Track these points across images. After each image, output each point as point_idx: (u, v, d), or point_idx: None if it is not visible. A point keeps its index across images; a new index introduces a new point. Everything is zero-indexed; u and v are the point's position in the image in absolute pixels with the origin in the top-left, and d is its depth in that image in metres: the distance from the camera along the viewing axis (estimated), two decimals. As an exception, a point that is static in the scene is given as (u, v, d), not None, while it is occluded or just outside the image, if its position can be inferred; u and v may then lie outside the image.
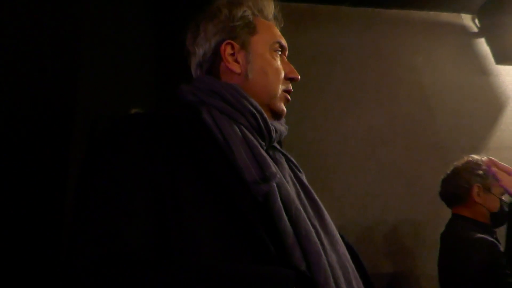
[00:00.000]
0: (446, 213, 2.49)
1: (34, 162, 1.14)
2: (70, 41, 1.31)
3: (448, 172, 1.97)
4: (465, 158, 1.94)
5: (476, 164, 1.87)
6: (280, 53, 1.05)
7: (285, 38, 1.09)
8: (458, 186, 1.88)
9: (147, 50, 1.96)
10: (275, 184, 0.79)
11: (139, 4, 1.95)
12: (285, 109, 1.02)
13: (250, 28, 1.02)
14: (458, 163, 1.95)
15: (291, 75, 1.04)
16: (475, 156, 1.93)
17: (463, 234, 1.77)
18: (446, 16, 3.17)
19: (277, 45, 1.04)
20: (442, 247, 1.90)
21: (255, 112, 0.92)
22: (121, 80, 1.58)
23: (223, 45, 0.99)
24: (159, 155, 0.77)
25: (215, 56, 1.00)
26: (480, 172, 1.84)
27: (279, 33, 1.07)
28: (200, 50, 1.02)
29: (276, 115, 1.01)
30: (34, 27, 1.27)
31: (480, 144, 2.78)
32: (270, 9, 1.09)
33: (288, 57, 1.08)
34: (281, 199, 0.78)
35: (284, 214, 0.76)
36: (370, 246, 2.36)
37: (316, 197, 0.92)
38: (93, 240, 0.66)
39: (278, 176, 0.80)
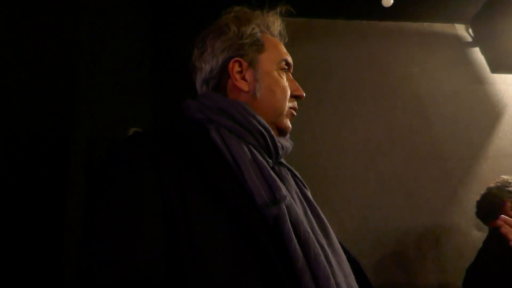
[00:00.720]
0: (447, 223, 2.49)
1: (32, 184, 1.13)
2: (67, 61, 1.31)
3: (482, 193, 2.13)
4: (496, 179, 2.11)
5: (507, 182, 2.05)
6: (286, 70, 1.05)
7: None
8: (492, 203, 2.04)
9: (144, 69, 1.97)
10: (284, 206, 0.78)
11: (137, 24, 1.97)
12: (290, 126, 1.02)
13: (258, 45, 1.02)
14: (491, 184, 2.12)
15: (296, 93, 1.04)
16: (505, 176, 2.10)
17: (503, 241, 1.83)
18: (440, 27, 3.19)
19: (283, 63, 1.04)
20: (483, 256, 2.02)
21: (263, 131, 0.92)
22: (118, 100, 1.59)
23: (231, 63, 0.98)
24: (168, 174, 0.76)
25: (222, 73, 1.00)
26: (511, 188, 2.01)
27: (285, 50, 1.07)
28: (207, 66, 1.01)
29: (282, 132, 1.01)
30: (31, 45, 1.28)
31: (479, 153, 2.78)
32: (277, 25, 1.09)
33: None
34: (290, 221, 0.77)
35: (294, 237, 0.75)
36: (372, 258, 2.35)
37: (322, 215, 0.92)
38: (107, 264, 0.65)
39: (288, 198, 0.80)
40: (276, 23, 1.09)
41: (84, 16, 1.40)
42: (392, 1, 2.80)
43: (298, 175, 1.02)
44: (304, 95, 1.05)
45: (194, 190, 0.75)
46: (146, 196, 0.73)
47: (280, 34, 1.10)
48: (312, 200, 0.95)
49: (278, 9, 1.10)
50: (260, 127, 0.91)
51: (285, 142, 0.99)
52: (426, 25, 3.17)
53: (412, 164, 2.63)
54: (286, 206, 0.79)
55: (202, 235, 0.71)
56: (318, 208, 0.93)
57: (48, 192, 1.12)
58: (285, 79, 1.03)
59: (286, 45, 1.11)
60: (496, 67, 3.05)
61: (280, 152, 0.95)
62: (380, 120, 2.73)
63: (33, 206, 1.10)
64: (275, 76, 1.01)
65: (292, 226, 0.77)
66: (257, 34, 1.03)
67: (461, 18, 3.17)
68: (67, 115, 1.22)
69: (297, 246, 0.74)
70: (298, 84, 1.06)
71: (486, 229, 2.48)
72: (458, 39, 3.19)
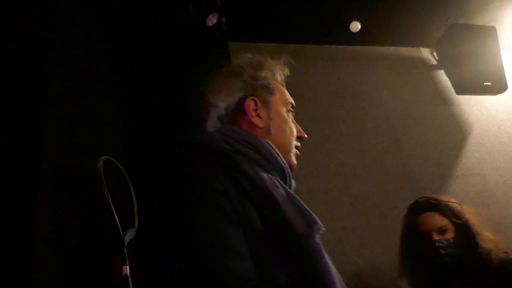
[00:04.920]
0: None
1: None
2: (36, 89, 1.29)
3: None
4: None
5: None
6: (291, 112, 1.18)
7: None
8: None
9: (115, 97, 1.95)
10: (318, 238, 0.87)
11: (106, 51, 1.96)
12: (296, 163, 1.12)
13: (269, 88, 1.14)
14: None
15: (300, 134, 1.16)
16: None
17: None
18: (405, 51, 3.30)
19: (290, 106, 1.17)
20: None
21: (284, 168, 1.02)
22: (88, 128, 1.56)
23: (247, 101, 1.09)
24: (234, 196, 0.82)
25: (237, 110, 1.10)
26: None
27: (289, 95, 1.20)
28: (223, 104, 1.11)
29: (289, 169, 1.08)
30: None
31: (448, 173, 2.85)
32: (283, 73, 1.22)
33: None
34: None
35: (331, 268, 0.83)
36: (349, 280, 2.34)
37: None
38: (217, 275, 0.72)
39: (323, 229, 0.87)
40: (283, 71, 1.22)
41: (54, 43, 1.38)
42: (359, 26, 2.88)
43: None
44: (306, 136, 1.18)
45: (251, 213, 0.83)
46: (229, 214, 0.79)
47: (283, 81, 1.23)
48: None
49: (283, 59, 1.23)
50: (282, 164, 1.02)
51: (292, 181, 1.08)
52: (393, 49, 3.27)
53: (385, 185, 2.66)
54: None
55: (266, 254, 0.79)
56: None
57: (16, 222, 1.08)
58: (291, 120, 1.16)
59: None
60: (461, 89, 3.17)
61: (291, 190, 1.03)
62: (352, 143, 2.77)
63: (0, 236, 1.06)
64: (284, 116, 1.13)
65: None
66: (269, 78, 1.16)
67: (425, 42, 3.29)
68: (36, 144, 1.20)
69: (335, 277, 0.83)
70: (299, 126, 1.18)
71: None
72: (423, 62, 3.30)
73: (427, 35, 3.21)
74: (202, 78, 2.20)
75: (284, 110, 1.14)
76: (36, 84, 1.28)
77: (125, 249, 1.11)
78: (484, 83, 3.06)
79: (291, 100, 1.18)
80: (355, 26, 2.87)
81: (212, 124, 1.14)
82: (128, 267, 1.09)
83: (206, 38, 2.31)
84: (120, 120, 1.93)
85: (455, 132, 3.05)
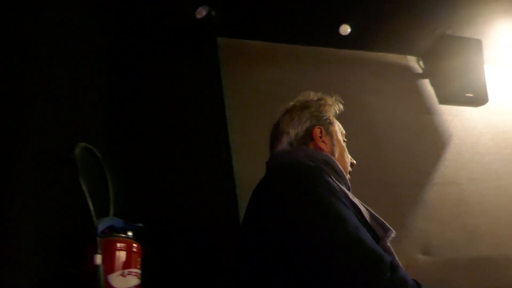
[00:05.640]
0: (404, 248, 2.54)
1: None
2: (14, 73, 1.26)
3: None
4: None
5: None
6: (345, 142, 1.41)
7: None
8: None
9: (98, 85, 1.92)
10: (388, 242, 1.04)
11: (91, 37, 1.92)
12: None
13: (330, 120, 1.40)
14: None
15: (352, 160, 1.42)
16: None
17: None
18: (393, 57, 3.32)
19: (344, 136, 1.44)
20: None
21: (349, 185, 1.27)
22: (69, 115, 1.53)
23: (315, 129, 1.33)
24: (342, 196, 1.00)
25: (305, 136, 1.32)
26: None
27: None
28: (293, 131, 1.34)
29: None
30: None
31: (426, 180, 2.88)
32: (338, 108, 1.49)
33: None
34: None
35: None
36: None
37: None
38: (379, 256, 0.88)
39: (393, 234, 1.06)
40: (338, 106, 1.49)
41: (36, 25, 1.35)
42: (349, 30, 2.89)
43: None
44: (355, 162, 1.43)
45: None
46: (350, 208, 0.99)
47: (336, 115, 1.48)
48: None
49: (335, 97, 1.51)
50: (348, 183, 1.27)
51: None
52: (381, 55, 3.29)
53: (365, 190, 2.61)
54: None
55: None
56: None
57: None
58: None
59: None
60: (443, 99, 3.21)
61: None
62: (334, 146, 2.77)
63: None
64: (342, 144, 1.39)
65: None
66: (329, 112, 1.41)
67: (413, 50, 3.32)
68: (13, 129, 1.17)
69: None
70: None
71: (431, 253, 2.56)
72: (409, 70, 3.32)
73: (414, 43, 3.24)
74: (189, 70, 2.19)
75: (341, 139, 1.40)
76: (15, 68, 1.25)
77: (97, 238, 1.09)
78: (466, 95, 3.12)
79: (344, 131, 1.46)
80: (345, 29, 2.88)
81: (281, 147, 1.34)
82: (100, 256, 1.08)
83: (195, 30, 2.29)
84: (103, 108, 1.90)
85: (435, 141, 3.08)
